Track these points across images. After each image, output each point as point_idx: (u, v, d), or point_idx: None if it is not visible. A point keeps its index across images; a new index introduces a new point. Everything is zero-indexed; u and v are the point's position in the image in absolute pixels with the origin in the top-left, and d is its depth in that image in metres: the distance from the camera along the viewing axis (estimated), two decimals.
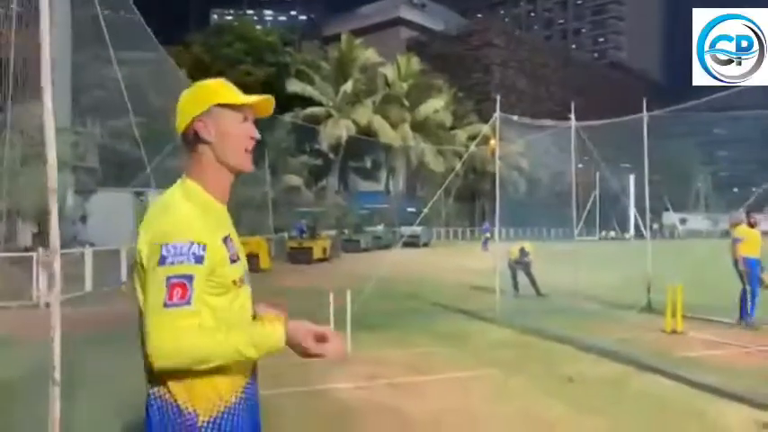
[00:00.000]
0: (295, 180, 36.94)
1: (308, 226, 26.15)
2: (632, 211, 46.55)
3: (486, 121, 54.08)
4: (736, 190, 68.86)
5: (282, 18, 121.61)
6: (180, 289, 1.44)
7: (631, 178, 40.84)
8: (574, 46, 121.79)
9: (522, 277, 13.46)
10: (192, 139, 1.67)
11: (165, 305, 1.43)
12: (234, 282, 1.59)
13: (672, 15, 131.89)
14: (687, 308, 9.09)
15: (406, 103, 43.75)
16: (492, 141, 20.96)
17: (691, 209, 59.30)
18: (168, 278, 1.45)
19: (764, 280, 9.42)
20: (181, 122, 1.69)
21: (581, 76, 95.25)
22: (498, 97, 11.46)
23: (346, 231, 33.02)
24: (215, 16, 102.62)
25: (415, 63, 46.52)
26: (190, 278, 1.45)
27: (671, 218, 49.45)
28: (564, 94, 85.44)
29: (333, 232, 30.57)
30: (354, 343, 7.27)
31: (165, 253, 1.46)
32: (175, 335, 1.42)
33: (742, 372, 6.58)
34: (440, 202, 40.97)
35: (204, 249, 1.49)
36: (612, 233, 45.37)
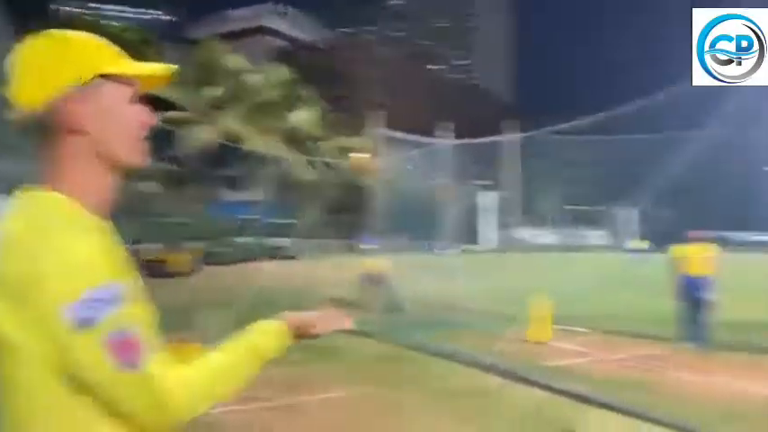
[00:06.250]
0: (153, 187, 34.59)
1: (168, 237, 24.74)
2: (495, 226, 49.72)
3: (355, 134, 54.34)
4: (582, 207, 75.81)
5: (147, 17, 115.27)
6: (126, 345, 0.98)
7: (495, 195, 43.54)
8: (443, 67, 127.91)
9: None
10: (54, 125, 1.06)
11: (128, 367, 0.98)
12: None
13: (519, 41, 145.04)
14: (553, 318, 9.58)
15: (275, 112, 43.16)
16: (352, 155, 21.28)
17: (540, 224, 64.26)
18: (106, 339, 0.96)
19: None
20: (32, 96, 1.05)
21: (439, 96, 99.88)
22: (385, 113, 11.53)
23: (208, 243, 31.48)
24: (55, 7, 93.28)
25: (285, 72, 46.09)
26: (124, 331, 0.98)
27: (523, 232, 53.24)
28: (425, 112, 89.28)
29: (198, 244, 29.03)
30: None
31: (82, 313, 0.94)
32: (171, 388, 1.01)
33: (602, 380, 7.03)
34: (310, 213, 40.63)
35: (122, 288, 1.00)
36: (476, 246, 47.72)
